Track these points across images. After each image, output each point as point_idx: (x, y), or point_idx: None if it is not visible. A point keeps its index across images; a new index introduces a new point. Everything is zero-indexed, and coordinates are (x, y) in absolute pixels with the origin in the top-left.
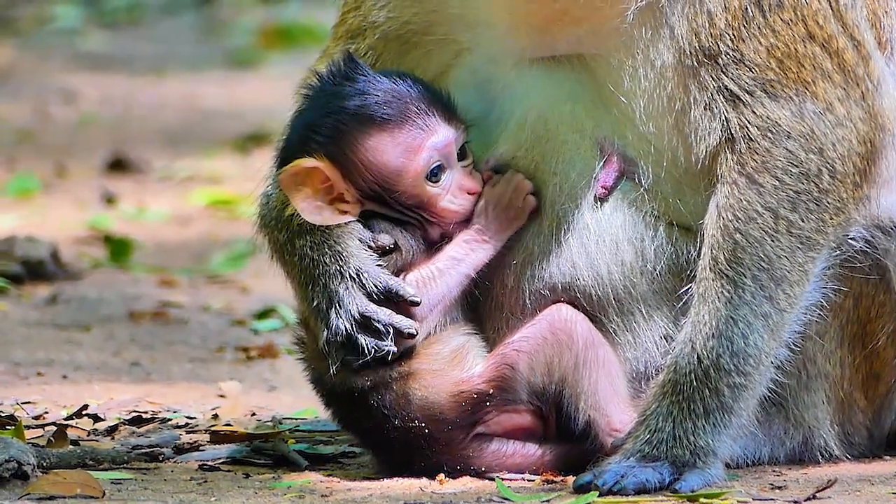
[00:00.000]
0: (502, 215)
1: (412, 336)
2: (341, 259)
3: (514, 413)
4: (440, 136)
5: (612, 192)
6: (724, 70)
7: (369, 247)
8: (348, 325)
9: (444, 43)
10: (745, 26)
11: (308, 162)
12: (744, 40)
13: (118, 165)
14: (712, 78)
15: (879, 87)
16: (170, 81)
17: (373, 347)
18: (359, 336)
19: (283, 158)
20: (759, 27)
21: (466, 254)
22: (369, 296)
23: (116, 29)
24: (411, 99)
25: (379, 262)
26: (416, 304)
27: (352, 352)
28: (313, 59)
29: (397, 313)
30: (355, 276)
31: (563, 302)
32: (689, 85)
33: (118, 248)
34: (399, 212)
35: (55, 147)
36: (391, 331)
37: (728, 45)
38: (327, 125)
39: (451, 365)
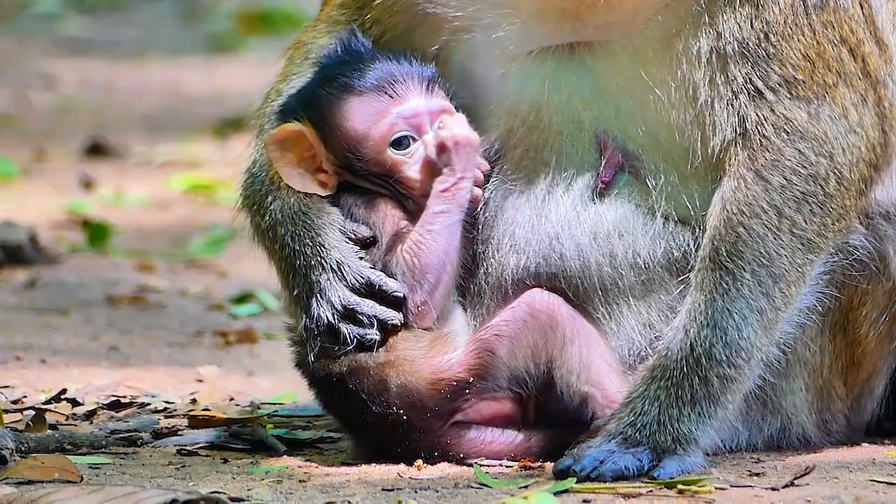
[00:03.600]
0: (460, 146)
1: (396, 327)
2: (322, 250)
3: (493, 400)
4: (409, 105)
5: (610, 187)
6: (755, 65)
7: (350, 239)
8: (330, 315)
9: (454, 20)
10: (789, 21)
11: (293, 126)
12: (785, 37)
13: (97, 150)
14: (741, 73)
15: None
16: (149, 66)
17: (356, 336)
18: (341, 325)
19: (279, 113)
20: (801, 25)
21: (448, 202)
22: (351, 288)
23: (96, 14)
24: (390, 69)
25: (361, 255)
26: (399, 298)
27: (333, 340)
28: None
29: (380, 304)
30: (336, 269)
31: (541, 287)
32: (715, 78)
33: (97, 233)
34: (370, 181)
35: (35, 132)
36: (375, 322)
37: (769, 40)
38: (313, 93)
39: (430, 352)
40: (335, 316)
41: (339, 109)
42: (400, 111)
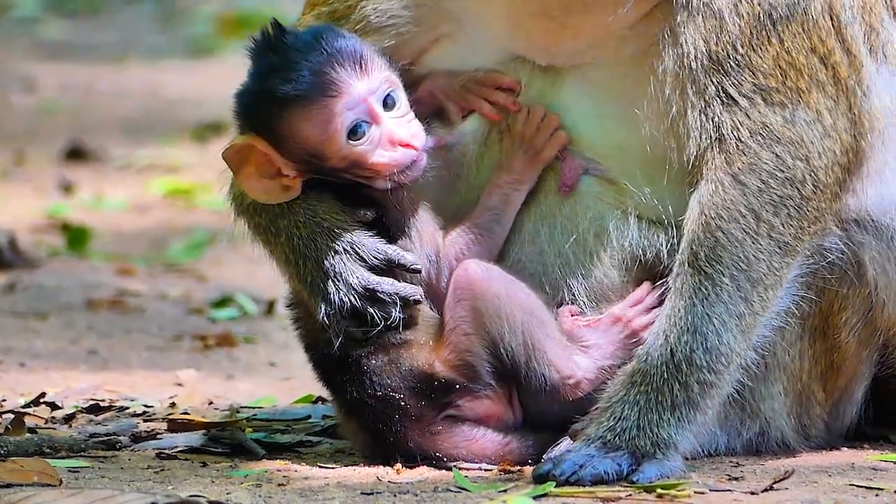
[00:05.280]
0: (531, 152)
1: (418, 302)
2: (333, 234)
3: (485, 399)
4: (351, 95)
5: (573, 189)
6: (727, 74)
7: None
8: (352, 298)
9: (426, 39)
10: (755, 32)
11: (242, 140)
12: (753, 47)
13: (76, 154)
14: (713, 82)
15: (869, 93)
16: (129, 70)
17: (381, 317)
18: (367, 307)
19: (237, 122)
20: (768, 36)
21: (505, 202)
22: (369, 267)
23: (76, 17)
24: (323, 65)
25: (371, 234)
26: (417, 271)
27: (357, 323)
28: None
29: (399, 280)
30: (350, 250)
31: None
32: (686, 90)
33: (76, 237)
34: (337, 177)
35: (14, 135)
36: (397, 300)
37: (737, 51)
38: (254, 103)
39: (436, 338)
40: (357, 298)
41: (285, 122)
42: (344, 104)
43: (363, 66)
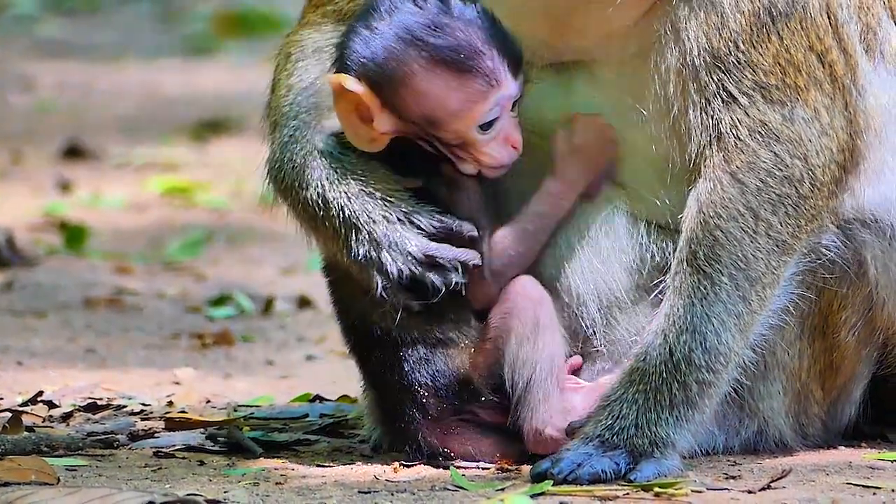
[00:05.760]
0: (585, 162)
1: (477, 266)
2: (387, 203)
3: (506, 414)
4: (503, 90)
5: (596, 197)
6: (727, 72)
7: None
8: (411, 266)
9: None
10: (756, 29)
11: (350, 83)
12: (754, 44)
13: (74, 152)
14: (713, 80)
15: (864, 92)
16: (127, 69)
17: (442, 283)
18: (426, 274)
19: (340, 56)
20: (768, 33)
21: (553, 208)
22: (427, 234)
23: (74, 16)
24: (490, 47)
25: (422, 203)
26: (475, 238)
27: (414, 295)
28: (269, 46)
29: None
30: (405, 220)
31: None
32: (688, 87)
33: (74, 235)
34: (432, 146)
35: (12, 134)
36: (458, 265)
37: (738, 48)
38: (387, 51)
39: (475, 347)
40: (417, 265)
41: (427, 79)
42: (496, 96)
43: (516, 63)
